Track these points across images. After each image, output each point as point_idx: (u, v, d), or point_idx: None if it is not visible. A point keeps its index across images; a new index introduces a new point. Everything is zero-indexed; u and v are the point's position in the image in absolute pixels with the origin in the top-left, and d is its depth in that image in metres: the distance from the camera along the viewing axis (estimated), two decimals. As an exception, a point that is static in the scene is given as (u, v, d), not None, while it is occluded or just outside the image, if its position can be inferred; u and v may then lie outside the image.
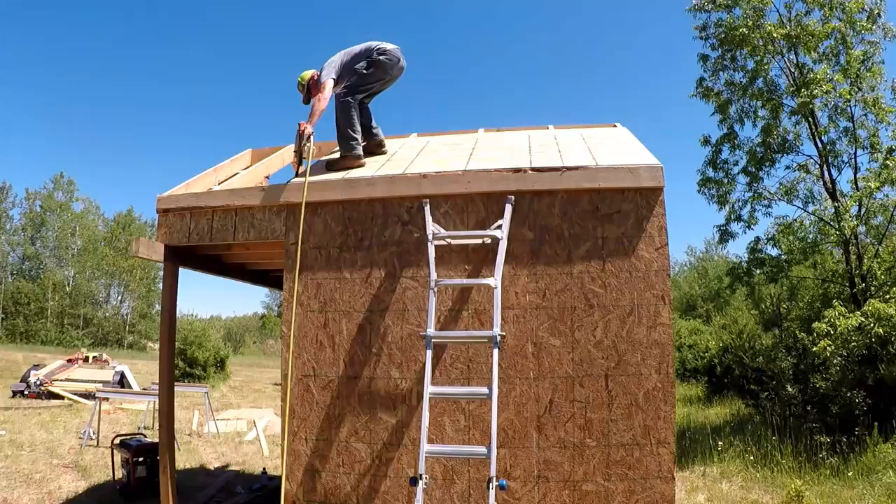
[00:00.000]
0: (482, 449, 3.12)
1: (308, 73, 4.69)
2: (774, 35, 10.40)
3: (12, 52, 61.75)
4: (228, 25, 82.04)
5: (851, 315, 8.30)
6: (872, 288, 9.75)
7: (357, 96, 4.61)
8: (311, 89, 4.64)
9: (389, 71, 4.68)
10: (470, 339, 3.56)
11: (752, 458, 7.89)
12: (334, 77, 4.54)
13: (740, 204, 11.82)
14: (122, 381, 14.86)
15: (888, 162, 9.16)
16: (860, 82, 10.27)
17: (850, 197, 9.92)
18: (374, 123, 4.87)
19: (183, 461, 7.86)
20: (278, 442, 5.53)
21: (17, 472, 6.77)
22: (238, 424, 11.06)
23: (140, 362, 24.19)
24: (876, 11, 10.35)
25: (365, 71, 4.61)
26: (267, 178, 5.27)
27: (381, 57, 4.61)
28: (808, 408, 8.75)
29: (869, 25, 10.29)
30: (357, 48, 4.71)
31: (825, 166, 10.99)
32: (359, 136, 4.53)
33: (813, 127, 10.95)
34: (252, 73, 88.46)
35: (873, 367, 8.56)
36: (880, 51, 10.53)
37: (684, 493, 6.67)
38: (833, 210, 9.99)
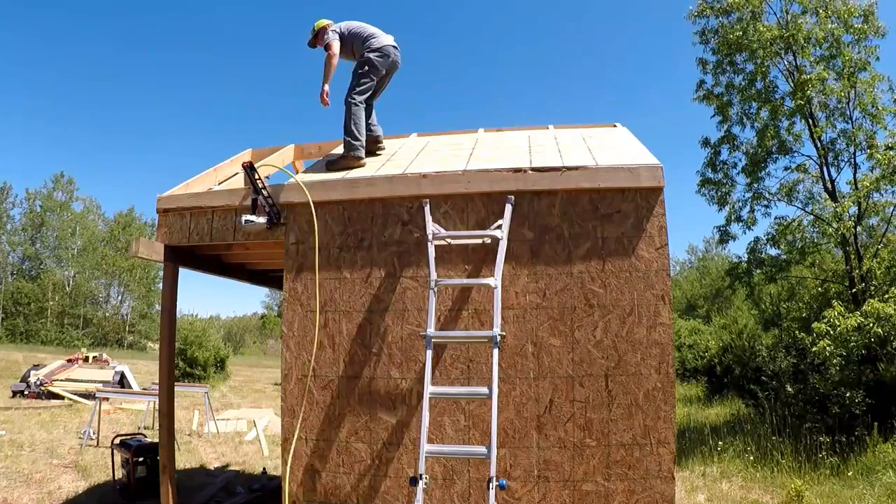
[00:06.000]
0: (482, 449, 3.12)
1: (324, 22, 4.92)
2: (768, 36, 10.42)
3: (13, 52, 61.85)
4: (228, 26, 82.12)
5: (851, 315, 8.29)
6: (872, 288, 9.75)
7: (360, 97, 4.65)
8: (317, 37, 4.93)
9: (381, 69, 4.76)
10: (470, 339, 3.57)
11: (751, 457, 7.89)
12: (338, 39, 4.77)
13: (740, 205, 11.87)
14: (122, 381, 14.86)
15: (878, 156, 9.16)
16: (855, 82, 10.27)
17: (849, 196, 9.92)
18: (373, 121, 4.91)
19: (183, 461, 7.86)
20: (278, 442, 5.53)
21: (17, 472, 6.77)
22: (238, 424, 11.05)
23: (140, 362, 24.20)
24: (869, 10, 10.36)
25: (360, 70, 4.68)
26: (267, 177, 5.26)
27: (371, 55, 4.69)
28: (808, 407, 8.76)
29: (864, 27, 10.29)
30: (357, 28, 4.84)
31: (824, 166, 11.01)
32: (363, 139, 4.56)
33: (812, 127, 10.96)
34: (252, 73, 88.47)
35: (873, 367, 8.58)
36: (876, 49, 10.54)
37: (684, 493, 6.67)
38: (832, 210, 9.98)
